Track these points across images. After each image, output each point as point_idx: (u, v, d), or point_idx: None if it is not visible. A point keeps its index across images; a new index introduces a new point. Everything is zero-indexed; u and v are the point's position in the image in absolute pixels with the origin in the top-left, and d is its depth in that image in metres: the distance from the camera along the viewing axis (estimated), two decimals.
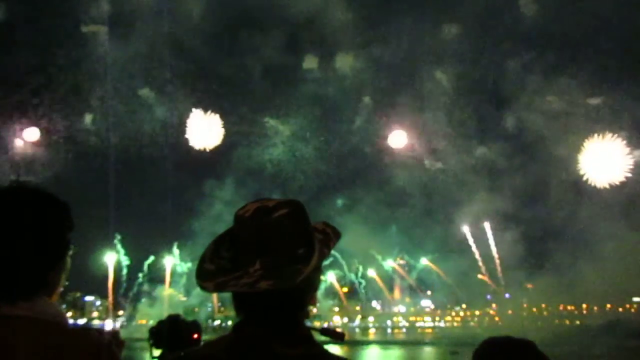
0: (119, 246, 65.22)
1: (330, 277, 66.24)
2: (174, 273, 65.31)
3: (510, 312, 66.53)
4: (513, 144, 62.22)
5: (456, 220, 62.85)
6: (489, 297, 67.31)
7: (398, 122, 62.98)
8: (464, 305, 68.56)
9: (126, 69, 61.61)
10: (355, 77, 61.75)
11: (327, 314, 66.30)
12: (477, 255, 62.67)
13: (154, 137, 64.30)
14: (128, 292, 67.23)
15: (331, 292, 67.91)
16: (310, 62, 59.52)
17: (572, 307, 65.10)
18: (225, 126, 61.04)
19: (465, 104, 60.70)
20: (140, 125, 63.15)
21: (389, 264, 66.95)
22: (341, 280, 67.39)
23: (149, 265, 66.20)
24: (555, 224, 57.98)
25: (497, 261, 63.76)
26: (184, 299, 65.08)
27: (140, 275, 66.09)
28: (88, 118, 62.75)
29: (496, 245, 62.29)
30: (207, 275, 1.49)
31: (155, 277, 66.14)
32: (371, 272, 67.47)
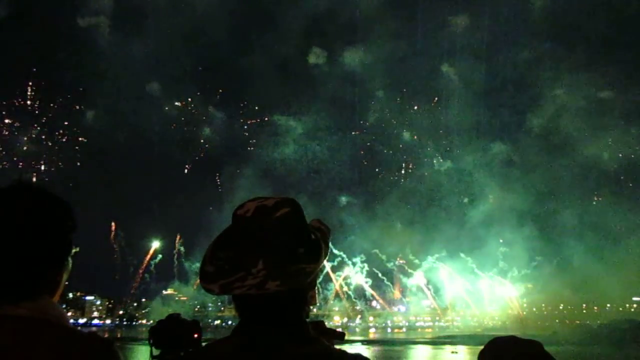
0: (123, 244, 65.22)
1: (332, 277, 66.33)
2: (180, 271, 64.90)
3: (509, 311, 66.57)
4: (517, 143, 62.33)
5: (461, 219, 62.98)
6: (488, 296, 67.36)
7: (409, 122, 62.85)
8: (463, 305, 68.48)
9: (136, 65, 61.49)
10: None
11: (331, 314, 66.20)
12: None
13: (165, 133, 64.28)
14: (133, 291, 67.09)
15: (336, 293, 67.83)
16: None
17: (572, 307, 65.02)
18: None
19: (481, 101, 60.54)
20: (150, 121, 62.95)
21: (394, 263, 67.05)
22: (346, 279, 67.41)
23: (156, 264, 65.84)
24: (558, 225, 58.03)
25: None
26: (185, 298, 64.88)
27: (147, 275, 65.84)
28: (90, 115, 62.73)
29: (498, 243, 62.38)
30: (209, 277, 1.47)
31: (162, 276, 65.81)
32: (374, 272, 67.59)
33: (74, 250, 1.59)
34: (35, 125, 61.39)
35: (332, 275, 65.63)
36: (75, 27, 61.95)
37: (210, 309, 67.49)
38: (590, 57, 56.36)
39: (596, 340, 47.51)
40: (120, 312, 69.77)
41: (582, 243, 54.95)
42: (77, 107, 62.60)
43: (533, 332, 50.04)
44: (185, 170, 66.24)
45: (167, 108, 64.90)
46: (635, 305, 64.33)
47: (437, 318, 69.60)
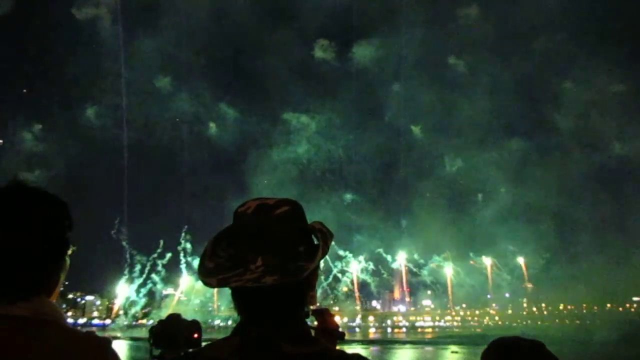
0: (125, 243, 64.88)
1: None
2: (187, 270, 64.52)
3: (510, 311, 66.57)
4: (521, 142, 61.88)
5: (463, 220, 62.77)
6: (489, 296, 67.38)
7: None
8: (464, 305, 68.48)
9: (145, 61, 61.16)
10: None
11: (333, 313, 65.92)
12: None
13: (175, 131, 63.88)
14: (139, 291, 66.79)
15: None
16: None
17: (572, 307, 65.02)
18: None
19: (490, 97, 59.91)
20: (157, 117, 62.50)
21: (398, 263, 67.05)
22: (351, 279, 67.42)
23: (161, 264, 65.44)
24: (559, 224, 57.79)
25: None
26: (184, 298, 64.74)
27: (156, 276, 65.53)
28: (93, 111, 62.56)
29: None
30: (208, 272, 1.48)
31: (166, 276, 65.45)
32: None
33: (71, 250, 1.59)
34: (37, 122, 61.31)
35: (327, 270, 65.57)
36: (79, 19, 61.80)
37: (210, 308, 67.40)
38: (610, 49, 55.58)
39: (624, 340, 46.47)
40: (121, 312, 69.72)
41: (588, 243, 54.75)
42: (81, 104, 62.53)
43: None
44: (190, 182, 66.05)
45: (175, 104, 64.63)
46: (635, 305, 64.35)
47: (438, 318, 69.61)
